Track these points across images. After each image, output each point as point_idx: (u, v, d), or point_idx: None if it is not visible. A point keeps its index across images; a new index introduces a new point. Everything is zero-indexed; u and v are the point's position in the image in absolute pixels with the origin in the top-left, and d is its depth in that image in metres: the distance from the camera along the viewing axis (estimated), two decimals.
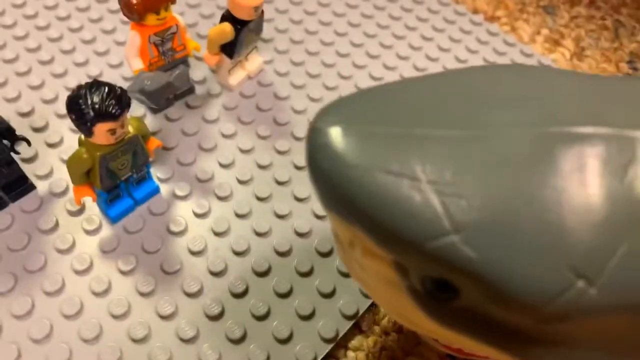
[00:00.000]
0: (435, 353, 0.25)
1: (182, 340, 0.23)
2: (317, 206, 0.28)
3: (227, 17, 0.29)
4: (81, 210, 0.27)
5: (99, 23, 0.35)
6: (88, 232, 0.26)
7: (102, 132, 0.22)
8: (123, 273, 0.25)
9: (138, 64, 0.28)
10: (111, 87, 0.21)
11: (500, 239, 0.13)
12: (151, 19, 0.27)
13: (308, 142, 0.15)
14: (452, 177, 0.14)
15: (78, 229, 0.26)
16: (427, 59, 0.37)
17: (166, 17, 0.27)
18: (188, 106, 0.32)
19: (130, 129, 0.24)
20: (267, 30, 0.36)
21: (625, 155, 0.14)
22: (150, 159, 0.27)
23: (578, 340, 0.15)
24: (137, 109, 0.31)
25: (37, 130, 0.29)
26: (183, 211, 0.27)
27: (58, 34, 0.34)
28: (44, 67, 0.33)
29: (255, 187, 0.29)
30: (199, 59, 0.34)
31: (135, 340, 0.23)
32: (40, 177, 0.28)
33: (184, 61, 0.31)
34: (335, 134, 0.15)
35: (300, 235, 0.27)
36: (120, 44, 0.34)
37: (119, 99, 0.21)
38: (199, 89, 0.33)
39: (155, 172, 0.28)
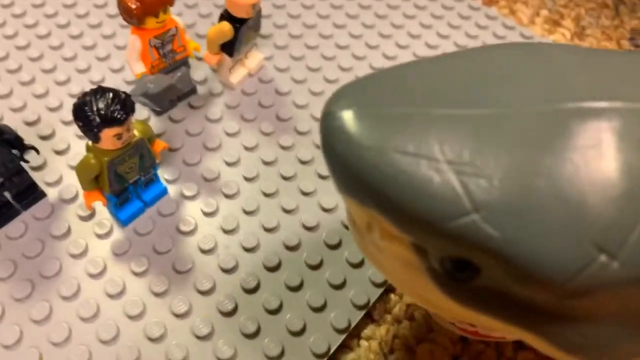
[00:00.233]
0: (448, 338, 0.25)
1: (198, 337, 0.24)
2: (324, 199, 0.28)
3: (225, 16, 0.29)
4: (92, 215, 0.27)
5: (99, 28, 0.36)
6: (100, 236, 0.26)
7: (108, 137, 0.22)
8: (136, 274, 0.25)
9: (140, 68, 0.28)
10: (115, 92, 0.22)
11: (521, 217, 0.13)
12: (150, 23, 0.27)
13: (322, 126, 0.15)
14: (471, 156, 0.14)
15: (90, 233, 0.27)
16: (427, 46, 0.37)
17: (165, 20, 0.28)
18: (191, 107, 0.32)
19: (136, 132, 0.24)
20: (265, 26, 0.36)
21: None
22: (157, 161, 0.27)
23: (599, 315, 0.15)
24: (141, 112, 0.31)
25: (44, 138, 0.30)
26: (192, 211, 0.28)
27: (59, 41, 0.35)
28: (47, 76, 0.33)
29: (262, 184, 0.29)
30: (199, 59, 0.34)
31: (152, 340, 0.24)
32: (50, 184, 0.28)
33: (185, 62, 0.31)
34: (349, 116, 0.15)
35: (308, 229, 0.27)
36: (120, 48, 0.35)
37: (123, 104, 0.21)
38: (201, 89, 0.33)
39: (163, 174, 0.29)
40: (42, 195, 0.27)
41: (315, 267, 0.26)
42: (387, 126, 0.15)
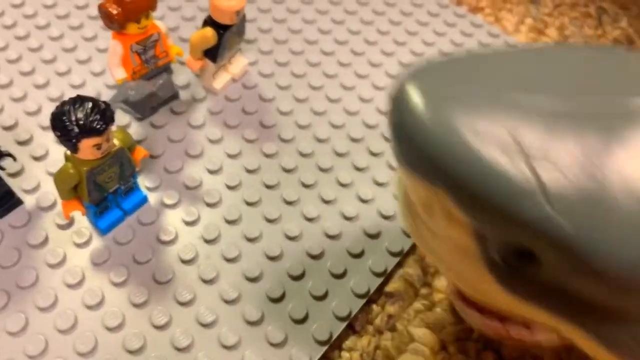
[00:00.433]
0: (429, 349, 0.25)
1: (178, 349, 0.24)
2: (307, 209, 0.28)
3: (208, 22, 0.29)
4: (70, 223, 0.27)
5: (80, 30, 0.35)
6: (78, 245, 0.26)
7: (87, 148, 0.21)
8: (115, 285, 0.25)
9: (121, 74, 0.28)
10: (95, 102, 0.21)
11: (594, 210, 0.13)
12: (132, 28, 0.27)
13: (393, 102, 0.15)
14: (542, 141, 0.14)
15: (68, 242, 0.26)
16: (412, 54, 0.37)
17: (147, 26, 0.27)
18: (173, 112, 0.32)
19: (116, 141, 0.24)
20: (250, 31, 0.36)
21: None
22: (137, 169, 0.27)
23: None
24: (122, 118, 0.30)
25: (21, 143, 0.29)
26: (172, 220, 0.27)
27: (38, 43, 0.34)
28: (25, 78, 0.32)
29: (244, 192, 0.29)
30: (182, 63, 0.33)
31: (131, 352, 0.23)
32: (27, 192, 0.27)
33: (167, 67, 0.30)
34: (422, 93, 0.15)
35: (291, 239, 0.27)
36: (102, 51, 0.34)
37: (102, 114, 0.21)
38: (184, 94, 0.32)
39: (143, 181, 0.28)
40: (19, 202, 0.27)
41: (297, 278, 0.26)
42: (459, 105, 0.15)
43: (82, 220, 0.27)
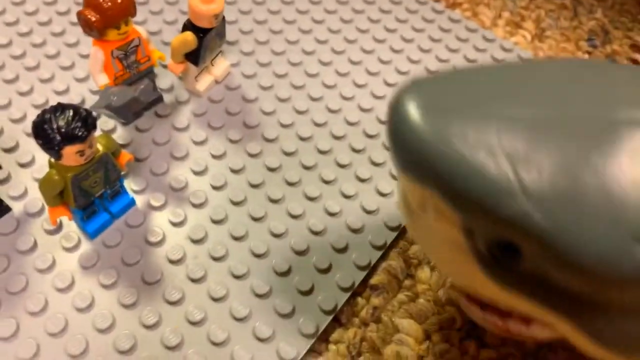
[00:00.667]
0: (413, 338, 0.26)
1: (168, 348, 0.24)
2: (292, 206, 0.29)
3: (188, 26, 0.29)
4: (59, 228, 0.27)
5: (62, 37, 0.35)
6: (67, 250, 0.26)
7: (70, 155, 0.22)
8: (105, 287, 0.26)
9: (103, 79, 0.28)
10: (76, 109, 0.22)
11: (569, 207, 0.15)
12: (112, 35, 0.27)
13: (391, 112, 0.17)
14: (525, 148, 0.15)
15: (57, 247, 0.27)
16: (392, 51, 0.37)
17: (127, 32, 0.27)
18: (157, 115, 0.32)
19: (99, 147, 0.24)
20: (231, 33, 0.36)
21: None
22: (123, 173, 0.27)
23: (633, 307, 0.16)
24: (106, 123, 0.31)
25: (7, 150, 0.30)
26: (159, 221, 0.28)
27: (21, 50, 0.34)
28: (9, 86, 0.32)
29: (230, 192, 0.29)
30: (165, 67, 0.34)
31: (122, 352, 0.24)
32: (14, 198, 0.28)
33: (150, 71, 0.31)
34: (418, 104, 0.17)
35: (277, 236, 0.28)
36: (84, 57, 0.34)
37: (84, 121, 0.21)
38: (167, 97, 0.33)
39: (130, 184, 0.29)
40: (7, 209, 0.27)
41: (283, 274, 0.27)
42: (450, 116, 0.16)
43: (70, 225, 0.27)
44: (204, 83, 0.33)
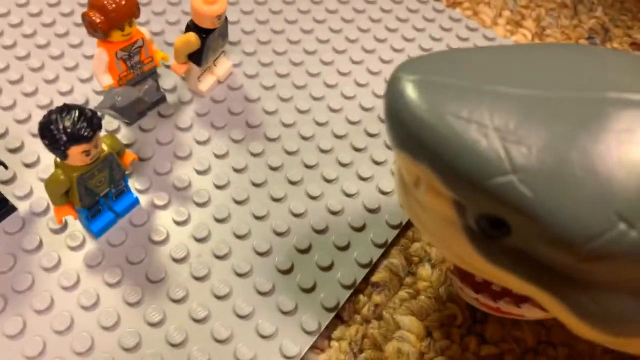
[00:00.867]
0: (415, 335, 0.26)
1: (173, 345, 0.24)
2: (295, 205, 0.29)
3: (191, 27, 0.30)
4: (64, 227, 0.27)
5: (66, 38, 0.36)
6: (73, 249, 0.27)
7: (76, 155, 0.22)
8: (110, 286, 0.26)
9: (108, 80, 0.29)
10: (82, 110, 0.22)
11: (554, 183, 0.15)
12: (116, 36, 0.27)
13: (388, 90, 0.17)
14: (516, 127, 0.16)
15: (62, 246, 0.27)
16: (393, 50, 0.38)
17: (131, 33, 0.28)
18: (161, 116, 0.32)
19: (105, 147, 0.24)
20: (233, 33, 0.37)
21: None
22: (128, 172, 0.27)
23: (615, 283, 0.17)
24: (111, 123, 0.31)
25: (13, 151, 0.30)
26: (163, 220, 0.28)
27: (25, 52, 0.34)
28: (14, 87, 0.33)
29: (233, 191, 0.29)
30: (168, 67, 0.34)
31: (127, 350, 0.24)
32: (20, 198, 0.28)
33: (154, 72, 0.31)
34: (413, 83, 0.17)
35: (280, 234, 0.28)
36: (88, 57, 0.35)
37: (90, 122, 0.22)
38: (171, 98, 0.33)
39: (134, 184, 0.29)
40: (13, 209, 0.27)
41: (286, 272, 0.27)
42: (445, 94, 0.17)
43: (75, 225, 0.27)
44: (206, 83, 0.33)
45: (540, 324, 0.27)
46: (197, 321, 0.25)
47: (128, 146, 0.31)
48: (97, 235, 0.27)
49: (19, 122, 0.31)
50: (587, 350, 0.26)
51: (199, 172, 0.30)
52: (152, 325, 0.25)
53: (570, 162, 0.15)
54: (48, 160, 0.30)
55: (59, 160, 0.24)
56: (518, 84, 0.17)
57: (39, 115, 0.31)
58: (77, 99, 0.32)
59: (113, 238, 0.27)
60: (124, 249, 0.27)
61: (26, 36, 0.35)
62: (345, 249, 0.28)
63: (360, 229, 0.29)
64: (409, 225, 0.30)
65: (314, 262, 0.27)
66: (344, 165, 0.31)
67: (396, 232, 0.29)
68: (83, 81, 0.33)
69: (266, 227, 0.28)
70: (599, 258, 0.16)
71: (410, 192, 0.19)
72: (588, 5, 0.44)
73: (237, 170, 0.30)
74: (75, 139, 0.21)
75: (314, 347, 0.25)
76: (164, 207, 0.29)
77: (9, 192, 0.28)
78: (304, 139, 0.32)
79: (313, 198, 0.30)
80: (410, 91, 0.17)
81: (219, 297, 0.26)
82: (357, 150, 0.32)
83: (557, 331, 0.27)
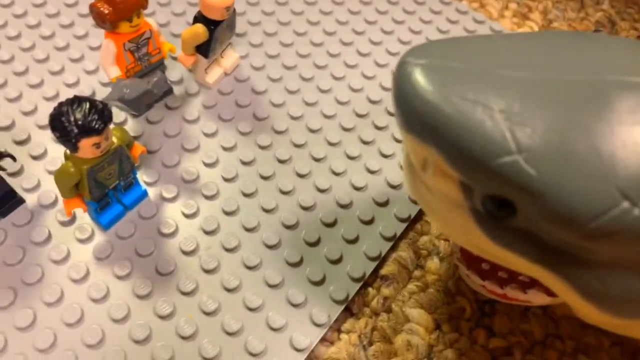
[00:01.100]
0: (424, 328, 0.26)
1: (183, 337, 0.25)
2: (303, 197, 0.29)
3: (199, 18, 0.30)
4: (72, 220, 0.27)
5: (71, 28, 0.35)
6: (81, 241, 0.27)
7: (87, 147, 0.22)
8: (120, 278, 0.26)
9: (115, 72, 0.28)
10: (92, 102, 0.22)
11: (558, 162, 0.16)
12: (124, 27, 0.27)
13: (396, 73, 0.18)
14: (520, 108, 0.16)
15: (71, 238, 0.27)
16: (400, 42, 0.37)
17: (139, 24, 0.27)
18: (168, 107, 0.32)
19: (114, 139, 0.24)
20: (240, 24, 0.36)
21: None
22: (136, 165, 0.27)
23: (618, 262, 0.17)
24: (118, 115, 0.31)
25: (19, 143, 0.30)
26: (172, 213, 0.28)
27: (30, 43, 0.34)
28: (19, 79, 0.33)
29: (241, 184, 0.29)
30: (174, 59, 0.34)
31: (137, 342, 0.24)
32: (28, 190, 0.28)
33: (161, 64, 0.31)
34: (420, 65, 0.17)
35: (288, 227, 0.28)
36: (94, 49, 0.34)
37: (100, 114, 0.22)
38: (177, 89, 0.33)
39: (142, 177, 0.29)
40: (21, 201, 0.27)
41: (295, 265, 0.27)
42: (452, 77, 0.17)
43: (84, 217, 0.27)
44: (213, 75, 0.33)
45: (548, 316, 0.27)
46: (207, 313, 0.25)
47: (135, 138, 0.30)
48: (105, 227, 0.27)
49: (25, 113, 0.31)
50: (594, 343, 0.26)
51: (207, 165, 0.30)
52: (162, 317, 0.25)
53: (574, 141, 0.16)
54: (55, 152, 0.30)
55: (68, 152, 0.23)
56: (522, 68, 0.17)
57: (45, 107, 0.31)
58: (83, 90, 0.32)
59: (122, 230, 0.27)
60: (133, 241, 0.27)
61: (30, 27, 0.35)
62: (354, 241, 0.28)
63: (369, 222, 0.29)
64: (417, 218, 0.30)
65: (322, 254, 0.27)
66: (351, 158, 0.31)
67: (405, 225, 0.29)
68: (89, 72, 0.33)
69: (275, 219, 0.28)
70: (602, 235, 0.16)
71: (418, 175, 0.20)
72: None
73: (245, 163, 0.30)
74: (86, 131, 0.21)
75: (323, 340, 0.25)
76: (172, 200, 0.29)
77: (16, 184, 0.28)
78: (312, 131, 0.32)
79: (321, 191, 0.30)
80: (418, 74, 0.17)
81: (228, 290, 0.26)
82: (364, 142, 0.32)
83: (564, 324, 0.27)
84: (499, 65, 0.17)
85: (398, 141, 0.32)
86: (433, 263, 0.28)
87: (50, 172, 0.29)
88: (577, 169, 0.16)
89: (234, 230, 0.28)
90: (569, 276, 0.18)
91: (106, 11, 0.26)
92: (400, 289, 0.27)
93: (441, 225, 0.21)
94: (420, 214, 0.30)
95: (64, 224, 0.27)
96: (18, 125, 0.31)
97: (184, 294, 0.26)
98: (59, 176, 0.24)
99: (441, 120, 0.16)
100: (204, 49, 0.31)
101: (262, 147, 0.31)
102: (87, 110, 0.21)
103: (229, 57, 0.34)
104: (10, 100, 0.32)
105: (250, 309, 0.25)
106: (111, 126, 0.24)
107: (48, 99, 0.32)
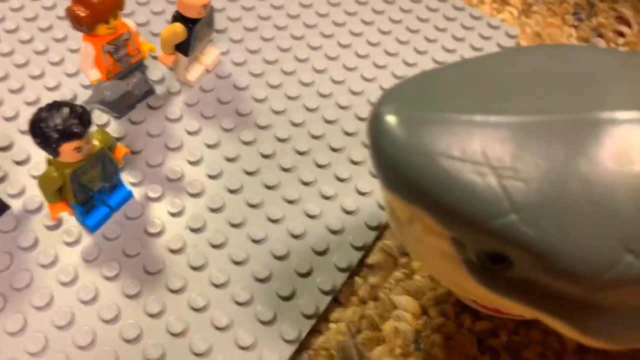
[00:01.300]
0: (411, 314, 0.27)
1: (173, 334, 0.25)
2: (288, 192, 0.29)
3: (177, 17, 0.30)
4: (59, 224, 0.27)
5: (50, 32, 0.35)
6: (69, 244, 0.27)
7: (68, 151, 0.22)
8: (108, 279, 0.26)
9: (95, 74, 0.28)
10: (71, 106, 0.22)
11: (556, 218, 0.15)
12: (102, 29, 0.27)
13: (371, 128, 0.17)
14: (511, 161, 0.15)
15: (58, 242, 0.27)
16: (379, 31, 0.37)
17: (117, 26, 0.27)
18: (150, 107, 0.32)
19: (96, 142, 0.24)
20: (219, 20, 0.37)
21: None
22: (120, 166, 0.27)
23: (623, 307, 0.17)
24: (100, 117, 0.31)
25: (2, 149, 0.30)
26: (158, 212, 0.28)
27: (9, 48, 0.34)
28: None
29: (226, 181, 0.30)
30: (155, 58, 0.34)
31: (128, 341, 0.24)
32: (13, 196, 0.28)
33: (141, 64, 0.31)
34: (398, 120, 0.16)
35: (274, 222, 0.28)
36: (74, 51, 0.34)
37: (80, 118, 0.22)
38: (159, 89, 0.33)
39: (127, 177, 0.29)
40: (6, 207, 0.27)
41: (282, 258, 0.27)
42: (433, 130, 0.16)
43: (70, 220, 0.28)
44: (194, 73, 0.33)
45: None
46: (196, 310, 0.26)
47: (118, 139, 0.31)
48: (92, 229, 0.27)
49: (7, 119, 0.31)
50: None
51: (191, 163, 0.30)
52: (152, 316, 0.25)
53: (570, 193, 0.15)
54: (39, 157, 0.30)
55: (50, 157, 0.24)
56: (506, 109, 0.16)
57: (27, 112, 0.31)
58: (64, 93, 0.32)
59: (109, 232, 0.27)
60: (120, 242, 0.27)
61: (9, 32, 0.35)
62: (339, 232, 0.28)
63: (354, 213, 0.29)
64: None
65: (309, 247, 0.28)
66: (335, 151, 0.31)
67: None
68: (70, 75, 0.33)
69: (260, 214, 0.29)
70: (608, 288, 0.15)
71: (404, 226, 0.19)
72: None
73: (229, 160, 0.31)
74: (67, 135, 0.21)
75: (313, 330, 0.26)
76: (157, 199, 0.29)
77: (1, 191, 0.28)
78: (295, 125, 0.32)
79: (306, 184, 0.30)
80: (396, 131, 0.16)
81: (217, 286, 0.26)
82: (348, 134, 0.32)
83: None
84: (483, 108, 0.16)
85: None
86: None
87: (34, 177, 0.29)
88: (576, 224, 0.15)
89: (221, 227, 0.28)
90: (572, 321, 0.17)
91: (82, 14, 0.26)
92: (387, 277, 0.28)
93: (433, 274, 0.20)
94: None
95: (50, 228, 0.27)
96: (0, 132, 0.31)
97: (173, 292, 0.26)
98: (42, 182, 0.24)
99: (428, 184, 0.15)
100: (184, 48, 0.31)
101: (246, 143, 0.31)
102: (66, 115, 0.21)
103: (210, 54, 0.34)
104: None
105: (240, 304, 0.26)
106: (93, 129, 0.24)
107: (29, 104, 0.32)
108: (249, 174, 0.30)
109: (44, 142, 0.22)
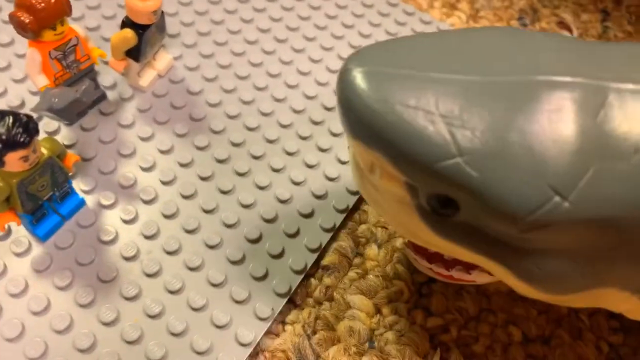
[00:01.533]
0: (365, 313, 0.27)
1: (128, 342, 0.25)
2: (243, 196, 0.30)
3: (127, 23, 0.29)
4: (7, 234, 0.27)
5: None
6: (18, 255, 0.26)
7: (14, 161, 0.22)
8: (60, 289, 0.26)
9: (43, 81, 0.28)
10: (15, 115, 0.22)
11: (495, 162, 0.17)
12: (48, 35, 0.27)
13: (339, 81, 0.19)
14: (460, 112, 0.18)
15: (7, 253, 0.26)
16: (333, 37, 0.38)
17: (64, 31, 0.27)
18: (102, 113, 0.32)
19: (44, 150, 0.24)
20: (172, 25, 0.36)
21: (597, 100, 0.18)
22: (71, 174, 0.27)
23: (553, 250, 0.19)
24: (50, 125, 0.31)
25: None
26: (111, 220, 0.28)
27: None
28: None
29: (179, 186, 0.30)
30: (106, 63, 0.33)
31: (82, 351, 0.24)
32: None
33: (91, 70, 0.31)
34: (363, 74, 0.18)
35: (229, 226, 0.29)
36: (20, 56, 0.33)
37: (25, 127, 0.21)
38: (111, 94, 0.33)
39: (79, 185, 0.29)
40: None
41: (237, 262, 0.28)
42: (393, 83, 0.18)
43: (19, 230, 0.27)
44: (147, 78, 0.33)
45: (481, 293, 0.29)
46: (151, 317, 0.26)
47: (69, 147, 0.30)
48: (43, 239, 0.27)
49: None
50: (524, 313, 0.28)
51: (144, 169, 0.30)
52: (106, 324, 0.25)
53: (509, 142, 0.17)
54: None
55: None
56: (458, 70, 0.19)
57: None
58: (11, 100, 0.32)
59: (60, 241, 0.27)
60: (73, 250, 0.27)
61: None
62: (294, 235, 0.29)
63: (309, 215, 0.30)
64: (355, 207, 0.31)
65: (265, 250, 0.28)
66: (290, 154, 0.32)
67: (343, 215, 0.30)
68: (17, 81, 0.32)
69: (215, 219, 0.29)
70: (538, 228, 0.18)
71: (366, 176, 0.21)
72: None
73: (182, 165, 0.31)
74: (11, 145, 0.21)
75: (268, 332, 0.26)
76: (110, 207, 0.29)
77: None
78: (250, 129, 0.33)
79: (261, 188, 0.30)
80: (361, 83, 0.18)
81: (171, 292, 0.26)
82: (302, 138, 0.33)
83: (496, 299, 0.29)
84: (437, 68, 0.19)
85: (335, 135, 0.33)
86: (372, 250, 0.29)
87: None
88: (513, 169, 0.17)
89: (175, 233, 0.28)
90: (510, 264, 0.20)
91: (27, 20, 0.25)
92: (342, 277, 0.28)
93: (389, 221, 0.22)
94: (358, 204, 0.31)
95: None
96: None
97: (128, 299, 0.26)
98: None
99: (386, 128, 0.18)
100: (135, 53, 0.31)
101: (200, 148, 0.31)
102: (10, 124, 0.21)
103: (162, 59, 0.34)
104: None
105: (195, 309, 0.26)
106: (41, 137, 0.23)
107: None
108: (203, 179, 0.30)
109: None
